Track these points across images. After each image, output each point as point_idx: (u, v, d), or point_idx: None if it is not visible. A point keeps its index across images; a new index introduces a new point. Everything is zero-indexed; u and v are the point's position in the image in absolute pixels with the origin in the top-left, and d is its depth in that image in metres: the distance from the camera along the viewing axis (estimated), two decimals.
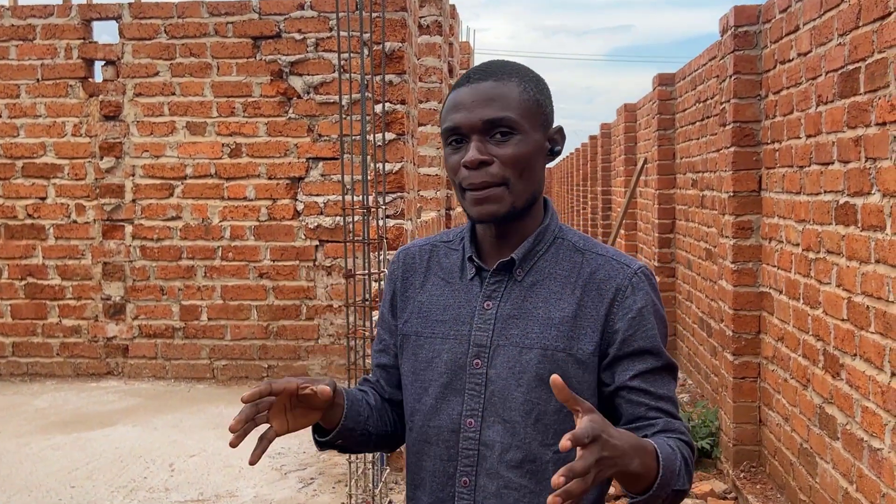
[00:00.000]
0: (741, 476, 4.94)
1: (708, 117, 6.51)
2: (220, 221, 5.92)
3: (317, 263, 5.89)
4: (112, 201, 5.95)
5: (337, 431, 1.42)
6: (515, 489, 1.39)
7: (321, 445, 1.48)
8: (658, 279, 8.22)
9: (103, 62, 5.94)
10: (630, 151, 10.55)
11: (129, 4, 5.90)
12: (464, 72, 7.90)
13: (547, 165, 1.49)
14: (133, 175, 5.93)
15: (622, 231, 10.52)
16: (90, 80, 5.93)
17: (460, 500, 1.43)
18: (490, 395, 1.40)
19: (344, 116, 5.71)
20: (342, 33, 5.48)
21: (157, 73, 5.86)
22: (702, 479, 5.21)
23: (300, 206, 5.89)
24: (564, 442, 1.07)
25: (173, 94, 5.87)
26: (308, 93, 5.80)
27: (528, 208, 1.44)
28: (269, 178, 5.88)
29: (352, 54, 4.84)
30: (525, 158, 1.38)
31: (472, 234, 1.50)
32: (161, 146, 5.91)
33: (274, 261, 5.90)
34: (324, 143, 5.81)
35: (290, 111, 5.82)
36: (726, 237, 5.09)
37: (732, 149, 4.93)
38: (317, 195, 5.85)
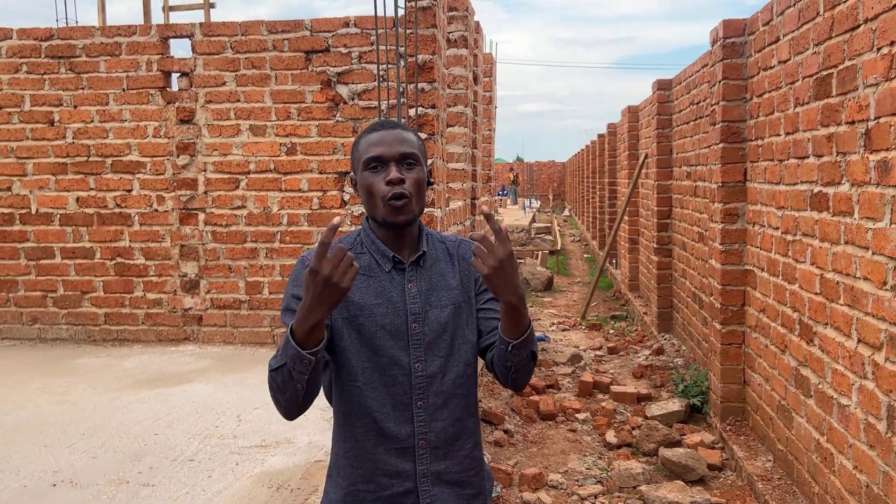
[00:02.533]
0: (727, 429, 4.93)
1: (700, 118, 6.44)
2: (279, 210, 5.98)
3: None
4: (187, 193, 6.03)
5: (319, 347, 1.57)
6: (454, 397, 1.80)
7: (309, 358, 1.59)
8: (657, 258, 8.18)
9: (178, 74, 6.00)
10: (633, 148, 10.46)
11: (201, 24, 5.95)
12: (486, 79, 7.84)
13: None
14: (205, 170, 6.00)
15: (626, 217, 10.45)
16: (168, 89, 6.00)
17: (418, 417, 1.78)
18: (428, 345, 1.77)
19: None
20: (381, 47, 5.50)
21: (224, 83, 5.92)
22: (693, 431, 5.20)
23: (346, 197, 5.93)
24: (483, 207, 1.86)
25: (238, 101, 5.92)
26: (352, 99, 5.83)
27: (418, 217, 1.82)
28: (320, 173, 5.93)
29: (389, 65, 4.86)
30: (421, 182, 1.77)
31: (379, 242, 1.82)
32: (228, 146, 5.97)
33: None
34: None
35: (338, 115, 5.85)
36: (715, 222, 5.07)
37: (721, 145, 4.89)
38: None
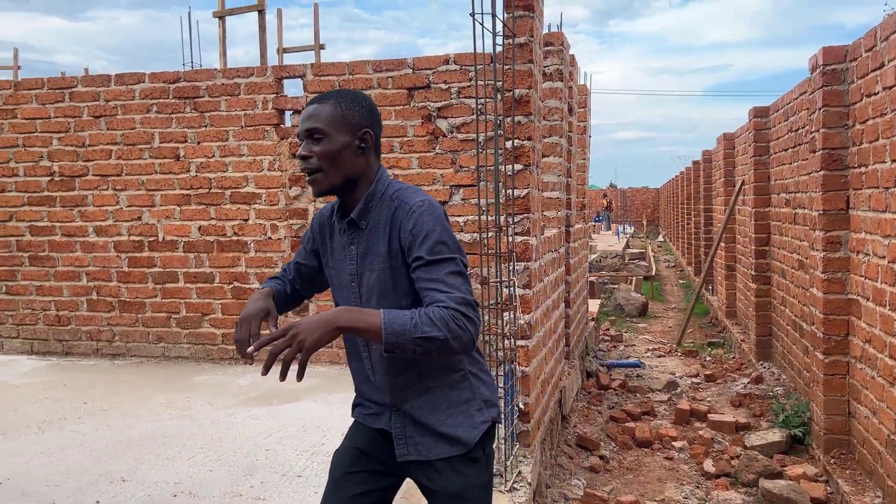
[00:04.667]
0: (831, 462, 4.65)
1: (799, 145, 6.18)
2: None
3: None
4: (298, 222, 6.22)
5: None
6: (389, 358, 1.87)
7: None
8: (755, 286, 7.84)
9: (291, 111, 6.22)
10: (729, 175, 10.13)
11: (312, 65, 6.17)
12: (580, 110, 7.77)
13: (365, 155, 1.89)
14: (314, 201, 6.18)
15: (722, 244, 10.09)
16: (281, 125, 6.23)
17: (367, 364, 1.96)
18: (364, 301, 1.88)
19: (480, 151, 5.77)
20: (479, 83, 5.54)
21: None
22: (795, 463, 4.92)
23: None
24: (254, 347, 1.80)
25: None
26: (451, 132, 5.89)
27: (352, 184, 1.88)
28: None
29: (487, 99, 4.88)
30: (330, 153, 1.82)
31: (340, 206, 1.94)
32: None
33: None
34: (464, 174, 5.88)
35: (437, 147, 5.92)
36: (817, 250, 4.82)
37: (822, 172, 4.67)
38: (458, 216, 5.92)
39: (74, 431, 4.32)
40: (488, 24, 3.34)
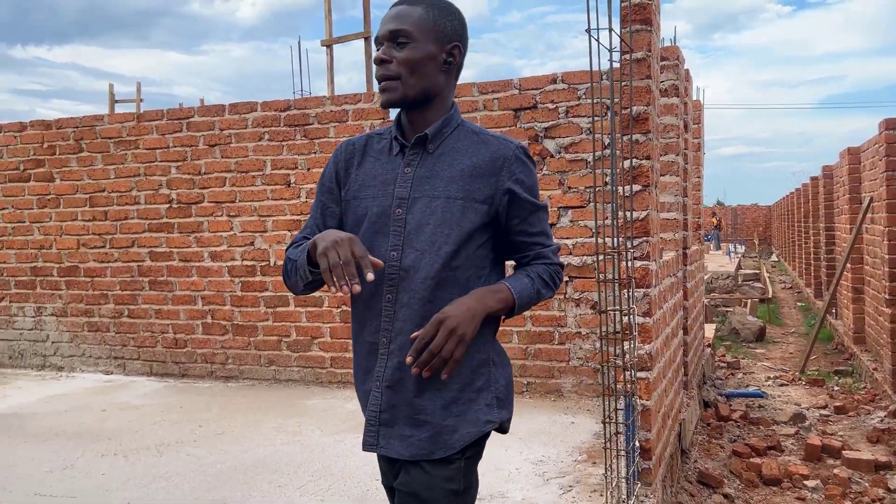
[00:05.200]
0: None
1: None
2: None
3: (567, 296, 5.75)
4: None
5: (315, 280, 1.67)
6: (419, 299, 1.60)
7: (308, 286, 1.70)
8: (889, 310, 7.24)
9: None
10: (854, 191, 9.48)
11: None
12: (695, 126, 7.44)
13: (447, 74, 1.69)
14: None
15: (848, 265, 9.42)
16: None
17: (385, 311, 1.63)
18: (408, 234, 1.62)
19: (591, 170, 5.57)
20: (596, 100, 5.37)
21: None
22: None
23: None
24: (411, 354, 1.55)
25: None
26: (559, 152, 5.72)
27: (426, 101, 1.66)
28: None
29: (598, 117, 4.70)
30: (413, 61, 1.60)
31: (398, 124, 1.71)
32: None
33: None
34: (572, 195, 5.69)
35: (545, 168, 5.77)
36: None
37: None
38: (566, 238, 5.73)
39: (190, 455, 4.38)
40: (603, 40, 3.18)
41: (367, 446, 1.68)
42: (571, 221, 5.70)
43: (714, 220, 37.12)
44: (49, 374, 7.06)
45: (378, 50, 1.64)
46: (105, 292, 7.02)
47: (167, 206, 6.81)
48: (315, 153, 6.38)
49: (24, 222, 7.27)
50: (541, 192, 5.69)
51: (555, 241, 1.72)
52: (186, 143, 6.73)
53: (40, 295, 7.25)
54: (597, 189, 4.13)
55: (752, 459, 5.44)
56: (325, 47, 10.16)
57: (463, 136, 1.68)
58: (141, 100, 15.32)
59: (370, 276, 1.48)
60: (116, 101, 15.52)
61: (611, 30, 3.23)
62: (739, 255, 29.15)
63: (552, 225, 5.72)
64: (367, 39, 9.69)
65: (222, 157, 6.63)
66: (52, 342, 7.24)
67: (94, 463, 4.23)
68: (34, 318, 7.29)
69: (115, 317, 6.99)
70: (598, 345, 5.59)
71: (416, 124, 1.69)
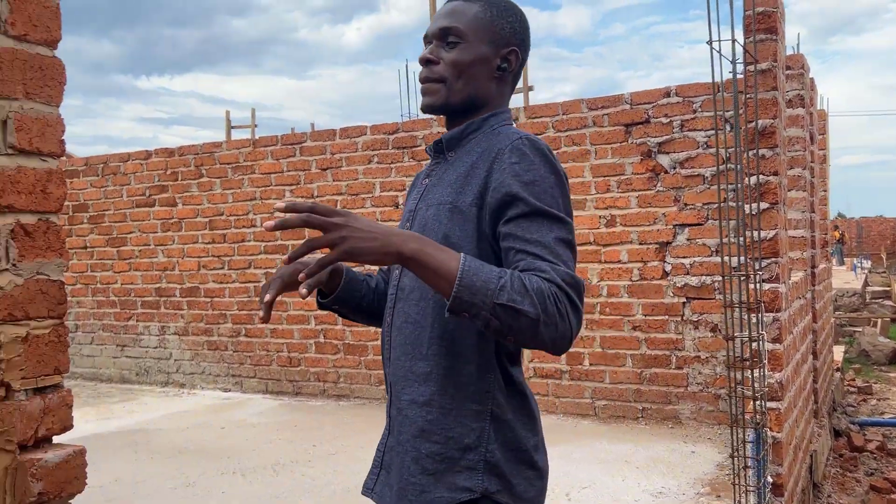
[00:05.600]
0: None
1: None
2: (599, 281, 5.79)
3: (684, 318, 5.50)
4: None
5: (333, 298, 1.53)
6: (410, 322, 1.38)
7: (321, 306, 1.57)
8: None
9: None
10: None
11: (524, 107, 6.09)
12: (820, 137, 7.03)
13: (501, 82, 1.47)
14: None
15: None
16: None
17: (385, 333, 1.47)
18: None
19: (709, 186, 5.33)
20: (710, 113, 5.14)
21: None
22: None
23: (668, 268, 5.57)
24: (279, 204, 1.16)
25: None
26: (674, 168, 5.51)
27: (471, 110, 1.43)
28: (640, 244, 5.65)
29: (717, 131, 4.48)
30: (463, 64, 1.39)
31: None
32: None
33: (645, 315, 5.63)
34: (689, 212, 5.46)
35: (658, 185, 5.57)
36: None
37: None
38: (683, 257, 5.49)
39: (305, 475, 4.43)
40: (724, 51, 3.02)
41: (364, 489, 1.51)
42: (688, 240, 5.47)
43: (836, 233, 35.06)
44: (172, 390, 7.38)
45: (426, 48, 1.45)
46: (224, 312, 7.29)
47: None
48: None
49: (150, 245, 7.66)
50: (655, 209, 5.53)
51: (571, 269, 1.24)
52: (300, 167, 6.91)
53: (164, 314, 7.61)
54: (719, 205, 3.92)
55: (892, 496, 5.02)
56: None
57: (484, 138, 1.42)
58: (255, 125, 15.95)
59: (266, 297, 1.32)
60: (232, 127, 16.21)
61: (734, 40, 3.07)
62: (866, 271, 27.39)
63: (666, 243, 5.51)
64: None
65: (334, 181, 6.77)
66: (175, 360, 7.57)
67: (215, 481, 4.35)
68: (158, 336, 7.65)
69: (232, 336, 7.24)
70: (718, 369, 5.31)
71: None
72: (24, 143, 1.34)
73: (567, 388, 5.88)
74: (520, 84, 12.59)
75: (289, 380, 7.01)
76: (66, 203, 8.02)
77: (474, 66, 1.41)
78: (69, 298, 8.15)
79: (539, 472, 1.42)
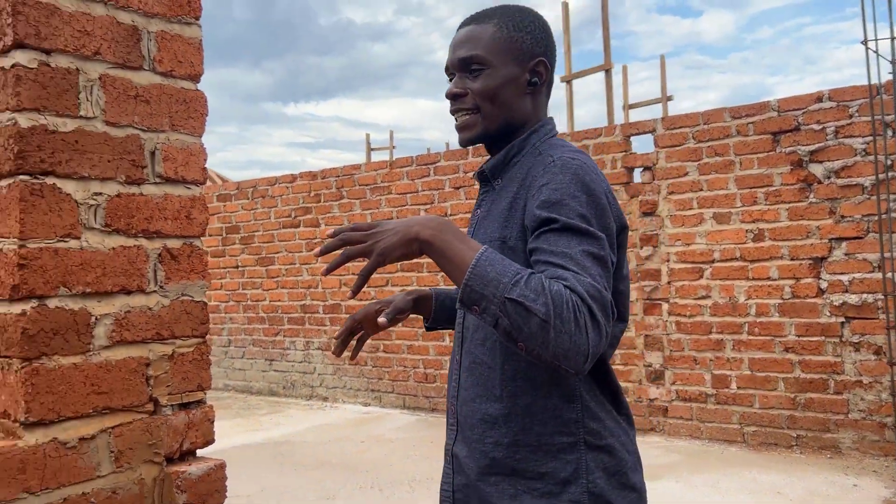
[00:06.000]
0: None
1: None
2: (746, 300, 5.48)
3: (843, 340, 5.10)
4: (651, 283, 5.90)
5: (431, 321, 1.64)
6: (479, 364, 1.35)
7: (428, 329, 1.68)
8: None
9: (641, 168, 6.00)
10: None
11: (662, 119, 5.90)
12: None
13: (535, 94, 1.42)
14: (668, 261, 5.83)
15: None
16: (631, 183, 6.03)
17: (452, 374, 1.44)
18: None
19: (868, 197, 4.92)
20: (866, 118, 4.77)
21: (686, 174, 5.73)
22: None
23: (823, 285, 5.18)
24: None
25: (701, 190, 5.67)
26: (828, 178, 5.14)
27: (509, 133, 1.40)
28: (791, 259, 5.30)
29: (879, 136, 4.15)
30: (492, 90, 1.35)
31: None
32: (691, 235, 5.72)
33: (799, 336, 5.26)
34: (846, 224, 5.06)
35: (811, 196, 5.21)
36: None
37: None
38: (840, 274, 5.10)
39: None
40: (881, 51, 2.78)
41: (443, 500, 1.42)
42: (846, 255, 5.07)
43: None
44: (316, 403, 7.68)
45: (450, 81, 1.42)
46: None
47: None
48: None
49: (295, 264, 8.03)
50: (807, 222, 5.17)
51: (598, 283, 1.14)
52: (434, 186, 7.03)
53: (308, 330, 7.94)
54: (879, 217, 3.61)
55: None
56: (564, 83, 10.19)
57: (526, 161, 1.36)
58: (393, 146, 16.48)
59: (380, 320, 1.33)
60: (372, 149, 16.82)
61: (893, 38, 2.82)
62: None
63: (821, 259, 5.13)
64: (607, 72, 9.55)
65: (466, 199, 6.83)
66: (319, 374, 7.88)
67: (354, 495, 4.46)
68: (303, 351, 7.99)
69: (371, 351, 7.44)
70: (883, 396, 4.88)
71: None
72: (171, 172, 1.43)
73: (713, 413, 5.59)
74: (657, 94, 12.25)
75: (425, 396, 7.10)
76: (219, 225, 8.56)
77: (504, 89, 1.36)
78: (223, 315, 8.69)
79: (639, 494, 1.35)
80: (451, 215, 6.90)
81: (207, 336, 1.51)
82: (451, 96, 1.39)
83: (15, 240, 1.21)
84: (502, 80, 1.36)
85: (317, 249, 1.22)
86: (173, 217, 1.43)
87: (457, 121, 1.40)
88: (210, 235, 8.77)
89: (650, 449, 5.37)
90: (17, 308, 1.21)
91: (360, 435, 6.11)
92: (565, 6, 10.31)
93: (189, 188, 1.46)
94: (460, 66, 1.38)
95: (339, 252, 1.25)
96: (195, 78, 1.48)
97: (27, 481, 1.20)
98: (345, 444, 5.77)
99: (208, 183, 8.47)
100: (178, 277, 1.44)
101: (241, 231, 8.51)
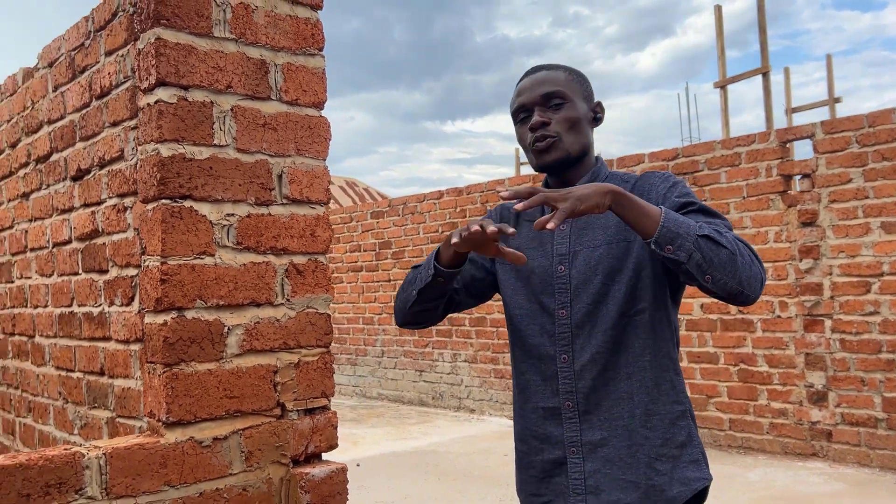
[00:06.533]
0: None
1: None
2: None
3: None
4: (811, 298, 5.52)
5: (454, 268, 1.64)
6: (601, 352, 1.51)
7: (436, 269, 1.66)
8: None
9: (799, 176, 5.64)
10: None
11: (822, 122, 5.52)
12: None
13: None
14: (830, 274, 5.42)
15: None
16: (788, 192, 5.68)
17: (562, 373, 1.54)
18: (574, 288, 1.55)
19: None
20: None
21: (849, 180, 5.32)
22: None
23: None
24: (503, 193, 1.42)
25: (866, 197, 5.24)
26: None
27: (581, 159, 1.62)
28: None
29: None
30: (572, 120, 1.59)
31: (546, 186, 1.67)
32: (856, 246, 5.30)
33: None
34: None
35: None
36: None
37: None
38: None
39: None
40: None
41: None
42: None
43: None
44: (463, 415, 7.78)
45: (526, 119, 1.64)
46: (507, 342, 7.53)
47: None
48: (705, 200, 6.08)
49: None
50: None
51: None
52: None
53: (456, 343, 8.08)
54: None
55: None
56: (718, 88, 9.77)
57: (613, 183, 1.59)
58: (521, 163, 16.42)
59: (509, 230, 1.40)
60: (522, 164, 16.84)
61: None
62: None
63: None
64: (765, 75, 9.07)
65: None
66: (466, 386, 7.99)
67: None
68: (451, 363, 8.14)
69: None
70: None
71: (566, 182, 1.65)
72: (296, 193, 1.53)
73: (884, 439, 5.12)
74: (824, 97, 11.47)
75: None
76: (373, 241, 8.89)
77: (580, 121, 1.62)
78: (377, 326, 9.03)
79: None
80: None
81: (331, 346, 1.60)
82: (539, 125, 1.60)
83: (158, 257, 1.34)
84: (579, 113, 1.62)
85: (505, 192, 1.39)
86: (299, 235, 1.54)
87: (538, 146, 1.61)
88: (364, 251, 9.16)
89: (810, 475, 5.00)
90: (160, 319, 1.35)
91: (504, 448, 6.13)
92: (718, 9, 9.91)
93: (313, 208, 1.56)
94: (542, 101, 1.62)
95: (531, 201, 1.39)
96: (319, 105, 1.58)
97: (168, 475, 1.33)
98: (488, 456, 5.81)
99: (368, 200, 8.86)
100: (303, 291, 1.54)
101: (392, 246, 8.82)
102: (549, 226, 1.33)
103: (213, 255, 1.40)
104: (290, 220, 1.52)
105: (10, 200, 2.28)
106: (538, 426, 1.60)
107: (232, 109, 1.44)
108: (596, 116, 1.68)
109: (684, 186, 1.57)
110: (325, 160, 1.59)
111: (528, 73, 1.68)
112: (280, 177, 1.51)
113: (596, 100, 1.71)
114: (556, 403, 1.56)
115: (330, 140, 1.60)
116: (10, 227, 2.29)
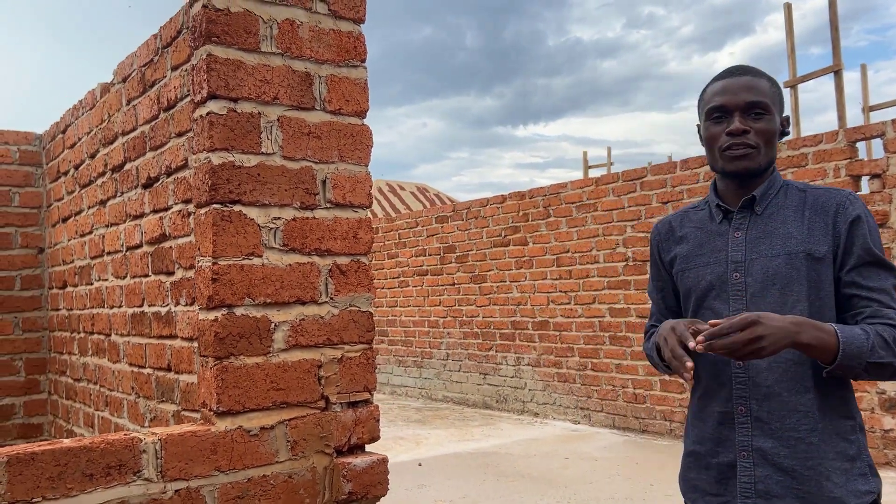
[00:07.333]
0: None
1: None
2: None
3: None
4: None
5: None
6: (783, 361, 1.52)
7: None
8: None
9: (869, 176, 5.45)
10: None
11: (892, 121, 5.32)
12: None
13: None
14: None
15: None
16: (858, 193, 5.49)
17: (737, 377, 1.56)
18: (751, 297, 1.56)
19: None
20: None
21: None
22: None
23: None
24: (705, 335, 1.42)
25: None
26: None
27: (766, 171, 1.63)
28: None
29: None
30: (770, 132, 1.59)
31: (716, 192, 1.70)
32: None
33: None
34: None
35: None
36: None
37: None
38: None
39: None
40: None
41: None
42: None
43: None
44: (526, 418, 7.78)
45: (721, 119, 1.62)
46: (571, 346, 7.51)
47: (623, 263, 7.03)
48: None
49: (506, 281, 8.23)
50: None
51: None
52: (640, 202, 6.89)
53: (519, 346, 8.09)
54: None
55: None
56: (788, 88, 9.49)
57: (790, 194, 1.63)
58: (611, 163, 16.22)
59: (692, 344, 1.44)
60: (591, 167, 16.69)
61: None
62: None
63: None
64: (837, 73, 8.77)
65: None
66: (529, 389, 7.99)
67: None
68: (514, 366, 8.15)
69: (580, 369, 7.41)
70: None
71: (743, 191, 1.65)
72: (339, 197, 1.61)
73: None
74: None
75: (635, 416, 6.93)
76: (437, 245, 8.98)
77: (774, 135, 1.62)
78: (441, 329, 9.12)
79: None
80: None
81: (373, 342, 1.67)
82: (739, 131, 1.59)
83: (209, 258, 1.44)
84: (775, 128, 1.62)
85: (699, 345, 1.42)
86: (342, 237, 1.61)
87: (734, 152, 1.60)
88: (429, 255, 9.27)
89: (885, 486, 4.81)
90: (211, 315, 1.44)
91: (565, 451, 6.11)
92: (788, 7, 9.64)
93: (356, 211, 1.63)
94: (745, 108, 1.60)
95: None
96: (361, 114, 1.65)
97: (218, 461, 1.42)
98: (549, 460, 5.81)
99: (437, 204, 8.96)
100: (346, 290, 1.62)
101: (456, 250, 8.89)
102: (698, 348, 1.42)
103: (260, 256, 1.49)
104: (333, 222, 1.60)
105: (89, 207, 2.44)
106: (712, 429, 1.62)
107: (278, 119, 1.52)
108: (784, 131, 1.68)
109: (868, 225, 1.55)
110: (367, 166, 1.66)
111: (731, 73, 1.65)
112: (324, 182, 1.59)
113: (785, 114, 1.70)
114: (728, 408, 1.59)
115: (372, 147, 1.67)
116: (90, 233, 2.44)
